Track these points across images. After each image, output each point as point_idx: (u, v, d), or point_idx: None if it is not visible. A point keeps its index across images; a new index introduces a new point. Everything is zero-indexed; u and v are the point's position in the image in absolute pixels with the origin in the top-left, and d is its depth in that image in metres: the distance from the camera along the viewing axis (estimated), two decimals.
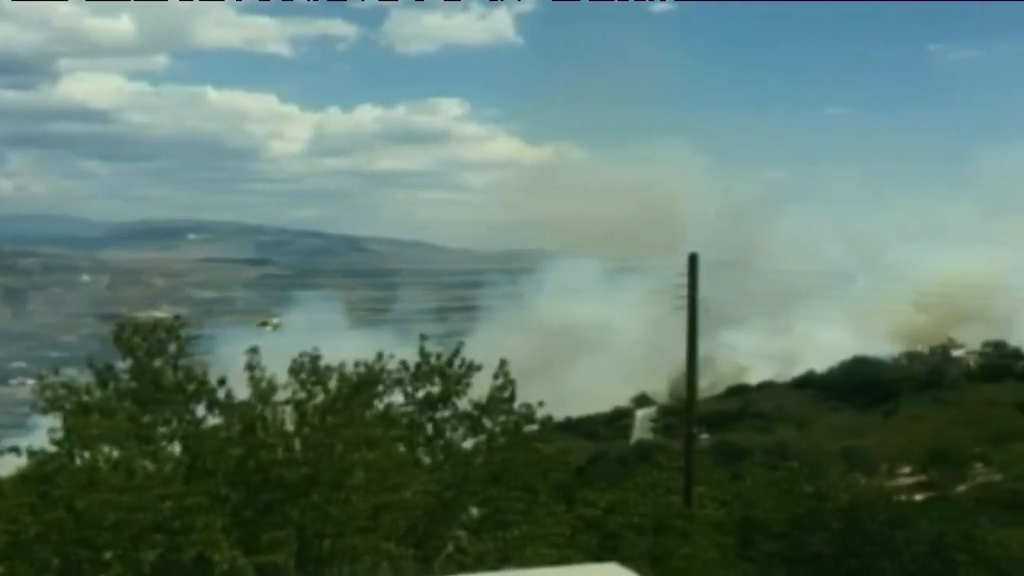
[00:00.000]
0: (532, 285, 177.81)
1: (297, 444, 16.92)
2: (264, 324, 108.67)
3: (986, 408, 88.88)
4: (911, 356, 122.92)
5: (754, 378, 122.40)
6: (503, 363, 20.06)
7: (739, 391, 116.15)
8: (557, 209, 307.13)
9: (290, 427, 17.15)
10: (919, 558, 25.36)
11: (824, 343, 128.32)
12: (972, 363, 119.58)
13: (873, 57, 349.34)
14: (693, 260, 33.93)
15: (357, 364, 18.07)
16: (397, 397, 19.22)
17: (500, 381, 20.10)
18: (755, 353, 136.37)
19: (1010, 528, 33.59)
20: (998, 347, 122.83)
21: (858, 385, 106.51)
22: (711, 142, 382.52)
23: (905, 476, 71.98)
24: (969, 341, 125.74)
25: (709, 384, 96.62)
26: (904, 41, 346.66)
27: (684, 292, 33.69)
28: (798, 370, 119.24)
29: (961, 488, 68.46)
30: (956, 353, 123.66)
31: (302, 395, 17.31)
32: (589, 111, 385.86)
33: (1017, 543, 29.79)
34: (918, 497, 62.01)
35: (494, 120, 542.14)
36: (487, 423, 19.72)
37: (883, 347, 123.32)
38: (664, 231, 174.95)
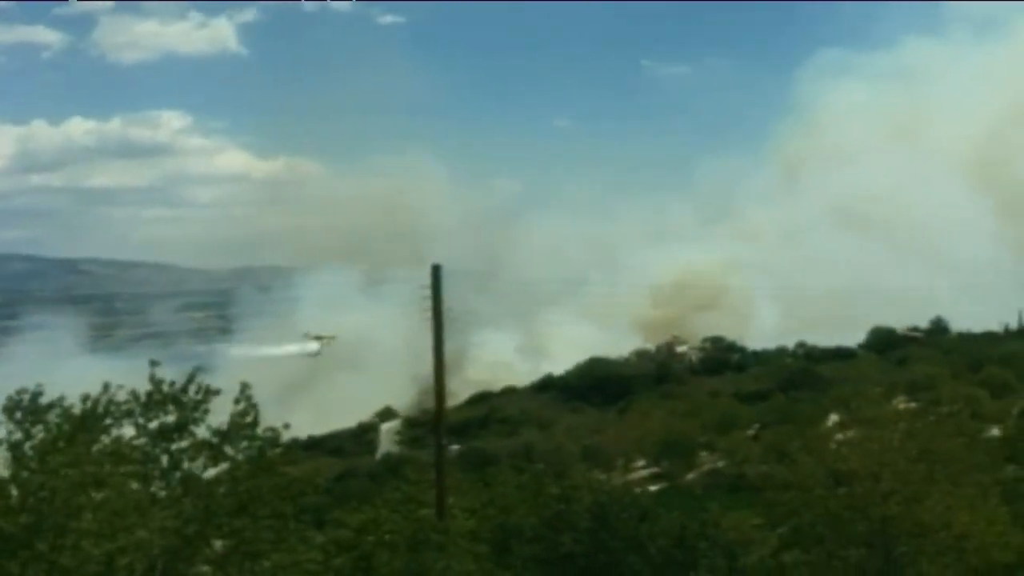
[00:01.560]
0: (276, 301, 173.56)
1: (14, 490, 15.52)
2: None
3: (709, 400, 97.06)
4: (640, 354, 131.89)
5: (505, 382, 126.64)
6: (244, 387, 19.56)
7: (483, 398, 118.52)
8: (293, 223, 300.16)
9: (4, 472, 15.73)
10: (664, 550, 27.25)
11: (569, 343, 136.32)
12: (694, 358, 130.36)
13: (591, 71, 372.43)
14: (436, 271, 34.52)
15: (84, 398, 16.88)
16: (128, 430, 18.20)
17: (242, 406, 19.56)
18: (503, 358, 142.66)
19: (736, 511, 37.08)
20: (716, 342, 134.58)
21: (594, 385, 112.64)
22: (446, 152, 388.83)
23: (640, 469, 77.03)
24: (703, 331, 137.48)
25: (456, 390, 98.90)
26: (618, 56, 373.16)
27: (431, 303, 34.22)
28: (551, 371, 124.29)
29: (690, 476, 74.19)
30: (680, 349, 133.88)
31: (18, 436, 15.91)
32: (320, 123, 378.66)
33: (744, 524, 32.87)
34: (653, 488, 66.61)
35: (220, 133, 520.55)
36: (229, 450, 19.17)
37: (625, 344, 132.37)
38: (408, 242, 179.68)
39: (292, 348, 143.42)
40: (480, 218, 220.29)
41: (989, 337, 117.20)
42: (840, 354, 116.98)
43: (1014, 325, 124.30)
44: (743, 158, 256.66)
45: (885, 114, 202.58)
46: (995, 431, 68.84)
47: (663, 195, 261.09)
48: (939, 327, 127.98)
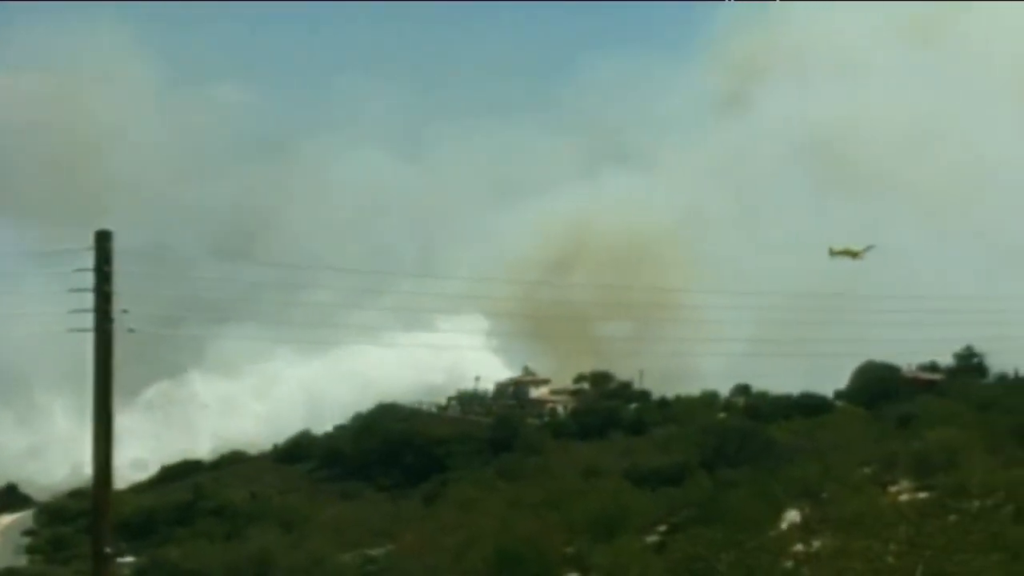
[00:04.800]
0: None
1: None
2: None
3: (582, 482, 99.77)
4: (464, 399, 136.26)
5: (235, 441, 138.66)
6: None
7: (189, 469, 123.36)
8: None
9: None
10: None
11: (354, 371, 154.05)
12: (560, 409, 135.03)
13: None
14: (103, 242, 34.08)
15: None
16: None
17: None
18: (236, 398, 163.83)
19: None
20: (599, 381, 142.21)
21: (384, 452, 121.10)
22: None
23: None
24: (577, 353, 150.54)
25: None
26: None
27: None
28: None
29: None
30: (537, 392, 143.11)
31: None
32: None
33: None
34: None
35: None
36: None
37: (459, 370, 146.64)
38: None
39: None
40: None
41: None
42: (806, 406, 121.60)
43: None
44: (661, 63, 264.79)
45: (893, 7, 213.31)
46: None
47: (524, 118, 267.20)
48: (969, 364, 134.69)
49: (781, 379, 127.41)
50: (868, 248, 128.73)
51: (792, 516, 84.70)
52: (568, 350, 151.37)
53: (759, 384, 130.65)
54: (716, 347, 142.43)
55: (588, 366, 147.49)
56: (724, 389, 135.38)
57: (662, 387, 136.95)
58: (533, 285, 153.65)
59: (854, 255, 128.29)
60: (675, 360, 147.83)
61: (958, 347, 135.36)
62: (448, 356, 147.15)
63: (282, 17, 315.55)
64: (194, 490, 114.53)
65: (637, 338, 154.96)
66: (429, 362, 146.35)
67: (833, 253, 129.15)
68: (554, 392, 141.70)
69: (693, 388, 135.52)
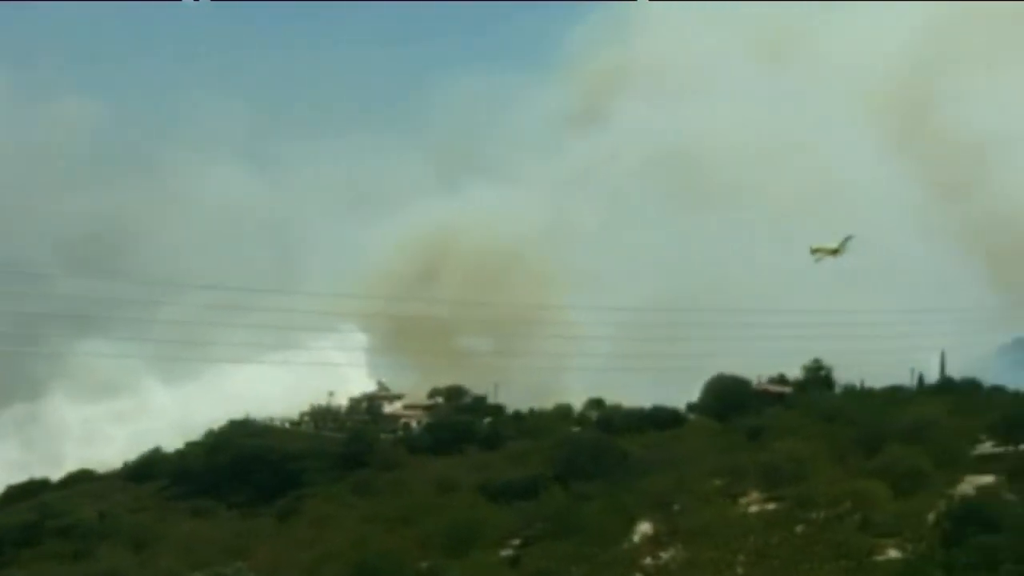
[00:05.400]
0: None
1: None
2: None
3: (437, 496, 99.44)
4: (317, 414, 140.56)
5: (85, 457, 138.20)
6: None
7: (32, 490, 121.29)
8: None
9: None
10: None
11: (216, 386, 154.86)
12: (415, 423, 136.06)
13: None
14: None
15: None
16: None
17: None
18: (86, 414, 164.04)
19: None
20: (454, 396, 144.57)
21: (237, 468, 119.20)
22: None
23: None
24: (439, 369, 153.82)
25: None
26: None
27: None
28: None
29: None
30: (392, 408, 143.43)
31: None
32: None
33: None
34: None
35: None
36: None
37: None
38: None
39: None
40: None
41: (893, 396, 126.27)
42: (659, 419, 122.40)
43: (932, 374, 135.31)
44: (517, 79, 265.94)
45: (745, 26, 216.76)
46: (894, 552, 74.60)
47: (382, 134, 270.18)
48: (817, 377, 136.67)
49: (639, 392, 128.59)
50: (847, 239, 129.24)
51: (645, 528, 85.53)
52: (432, 364, 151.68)
53: (617, 397, 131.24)
54: (576, 361, 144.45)
55: (452, 380, 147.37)
56: (583, 403, 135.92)
57: (526, 401, 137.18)
58: (397, 300, 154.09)
59: (834, 252, 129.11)
60: (538, 374, 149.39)
61: (807, 360, 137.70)
62: (326, 373, 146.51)
63: (137, 29, 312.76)
64: (40, 509, 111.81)
65: (501, 352, 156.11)
66: (305, 379, 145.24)
67: (814, 252, 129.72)
68: (408, 407, 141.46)
69: (554, 402, 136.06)
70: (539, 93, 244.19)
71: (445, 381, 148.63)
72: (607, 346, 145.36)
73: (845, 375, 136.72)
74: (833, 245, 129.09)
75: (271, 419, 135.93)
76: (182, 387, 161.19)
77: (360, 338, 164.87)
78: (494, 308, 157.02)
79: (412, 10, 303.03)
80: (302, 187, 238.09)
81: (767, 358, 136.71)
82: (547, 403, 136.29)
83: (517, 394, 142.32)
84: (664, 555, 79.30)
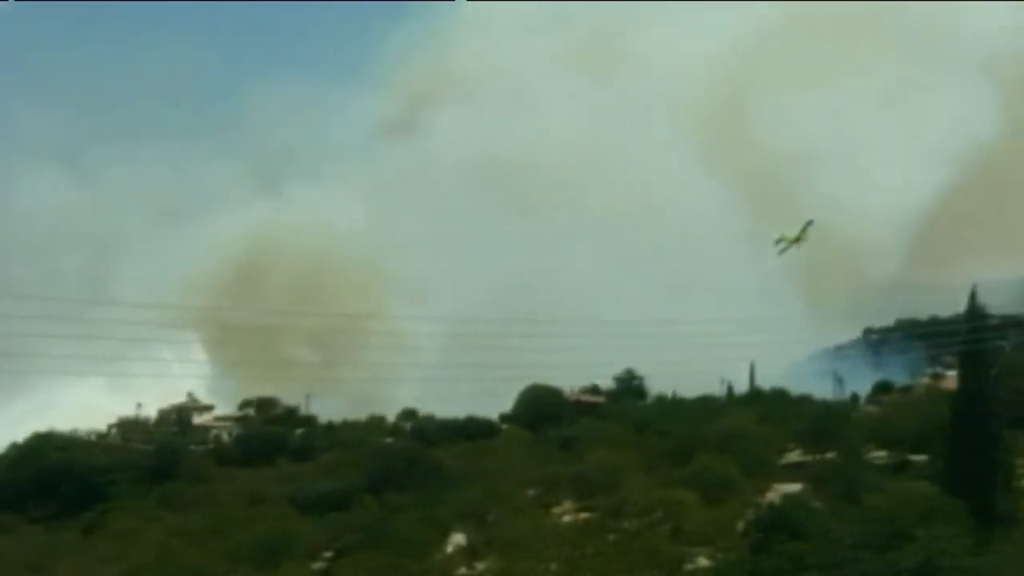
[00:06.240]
0: None
1: None
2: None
3: (246, 509, 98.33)
4: (124, 425, 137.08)
5: None
6: None
7: None
8: None
9: None
10: None
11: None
12: (225, 435, 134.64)
13: None
14: None
15: None
16: None
17: None
18: None
19: None
20: (264, 407, 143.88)
21: (37, 481, 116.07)
22: None
23: None
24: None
25: None
26: None
27: None
28: None
29: None
30: (201, 419, 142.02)
31: None
32: None
33: None
34: None
35: None
36: None
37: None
38: None
39: None
40: None
41: (704, 405, 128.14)
42: (472, 430, 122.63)
43: (742, 383, 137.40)
44: (333, 89, 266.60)
45: (564, 35, 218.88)
46: (704, 560, 75.59)
47: (196, 142, 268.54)
48: (629, 387, 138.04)
49: (461, 403, 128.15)
50: (808, 224, 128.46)
51: (458, 539, 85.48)
52: (254, 375, 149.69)
53: (440, 408, 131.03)
54: (397, 371, 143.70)
55: (275, 390, 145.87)
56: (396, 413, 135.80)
57: (350, 412, 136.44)
58: (219, 309, 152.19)
59: (796, 240, 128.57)
60: (359, 384, 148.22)
61: (619, 370, 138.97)
62: (140, 385, 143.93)
63: None
64: None
65: (325, 362, 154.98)
66: (121, 391, 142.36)
67: (777, 242, 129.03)
68: (219, 418, 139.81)
69: (379, 412, 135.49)
70: (358, 100, 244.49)
71: (267, 391, 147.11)
72: (430, 356, 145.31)
73: (657, 385, 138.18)
74: (793, 234, 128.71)
75: (75, 431, 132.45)
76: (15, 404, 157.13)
77: (179, 348, 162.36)
78: (316, 317, 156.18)
79: (232, 13, 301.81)
80: (118, 194, 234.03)
81: (584, 368, 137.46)
82: (373, 414, 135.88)
83: (341, 404, 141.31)
84: (478, 566, 79.33)
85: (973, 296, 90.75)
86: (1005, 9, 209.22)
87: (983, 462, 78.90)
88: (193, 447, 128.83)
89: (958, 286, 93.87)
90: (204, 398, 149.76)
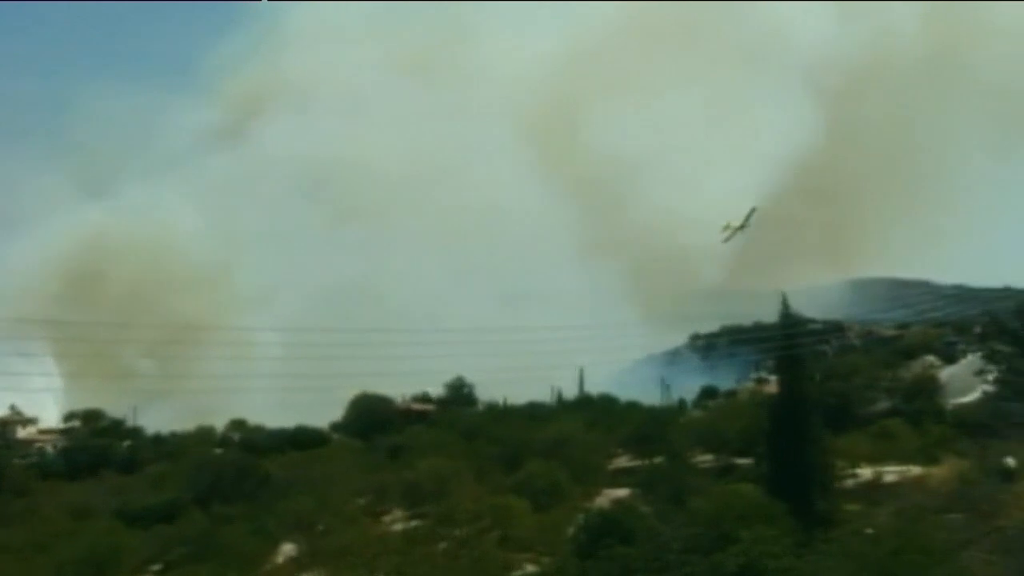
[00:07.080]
0: None
1: None
2: None
3: (71, 522, 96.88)
4: None
5: None
6: None
7: None
8: None
9: None
10: None
11: None
12: (51, 448, 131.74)
13: None
14: None
15: None
16: None
17: None
18: None
19: None
20: (91, 418, 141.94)
21: None
22: None
23: None
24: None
25: None
26: None
27: None
28: None
29: None
30: (25, 433, 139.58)
31: None
32: None
33: None
34: None
35: None
36: None
37: None
38: None
39: None
40: None
41: (534, 412, 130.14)
42: (302, 440, 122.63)
43: (571, 390, 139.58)
44: (160, 97, 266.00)
45: (398, 41, 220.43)
46: (531, 566, 76.42)
47: (18, 148, 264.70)
48: (459, 395, 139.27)
49: (294, 412, 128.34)
50: (752, 211, 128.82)
51: (288, 550, 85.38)
52: (88, 386, 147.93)
53: (268, 419, 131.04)
54: (234, 382, 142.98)
55: (110, 402, 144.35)
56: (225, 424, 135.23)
57: (185, 424, 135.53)
58: (51, 321, 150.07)
59: (740, 228, 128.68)
60: (197, 395, 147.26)
61: (450, 377, 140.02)
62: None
63: None
64: None
65: (161, 373, 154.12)
66: None
67: (724, 230, 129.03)
68: (43, 431, 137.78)
69: (206, 423, 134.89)
70: (189, 107, 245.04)
71: (108, 403, 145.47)
72: (264, 365, 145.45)
73: (488, 393, 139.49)
74: (738, 222, 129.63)
75: None
76: None
77: (30, 360, 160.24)
78: (152, 327, 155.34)
79: (58, 15, 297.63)
80: None
81: (416, 376, 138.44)
82: (202, 425, 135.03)
83: (172, 415, 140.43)
84: None
85: (785, 302, 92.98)
86: (828, 18, 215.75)
87: (802, 464, 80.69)
88: (16, 461, 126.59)
89: (787, 292, 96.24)
90: (54, 411, 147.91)
